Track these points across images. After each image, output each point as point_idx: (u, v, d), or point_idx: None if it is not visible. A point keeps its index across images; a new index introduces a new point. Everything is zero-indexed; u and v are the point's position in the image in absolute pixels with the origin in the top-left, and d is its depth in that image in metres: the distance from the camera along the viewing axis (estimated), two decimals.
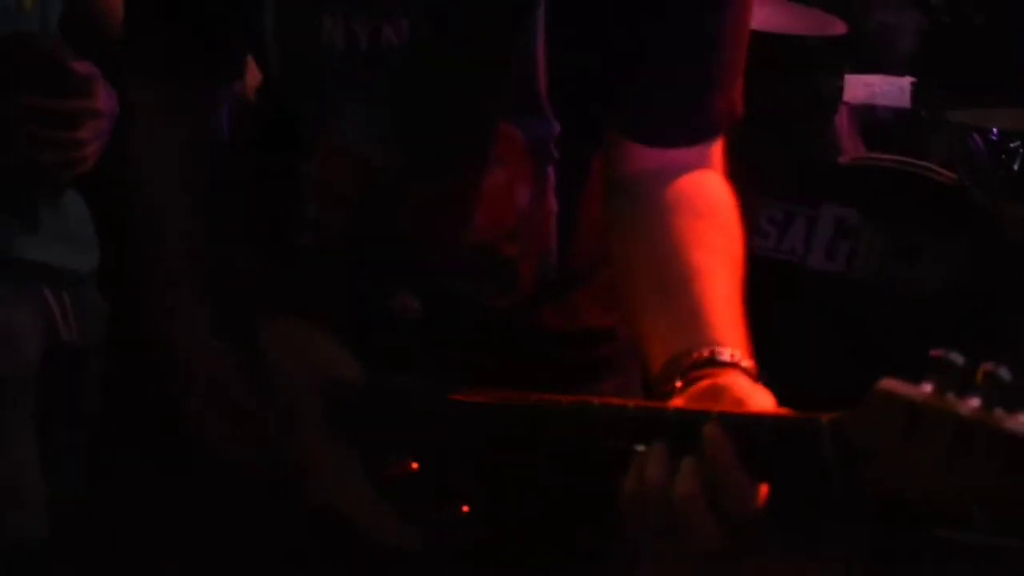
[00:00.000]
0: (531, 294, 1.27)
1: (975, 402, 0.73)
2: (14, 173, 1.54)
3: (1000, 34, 3.38)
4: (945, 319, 2.76)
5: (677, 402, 0.95)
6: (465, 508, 1.19)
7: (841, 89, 3.27)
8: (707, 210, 1.16)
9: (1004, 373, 0.72)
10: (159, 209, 1.36)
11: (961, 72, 3.27)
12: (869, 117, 3.31)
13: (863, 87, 3.26)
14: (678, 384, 0.97)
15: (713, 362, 0.97)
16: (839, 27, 3.55)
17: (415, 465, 1.19)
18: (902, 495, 0.79)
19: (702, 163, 1.19)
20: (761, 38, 3.19)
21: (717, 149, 1.21)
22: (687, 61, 1.16)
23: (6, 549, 1.66)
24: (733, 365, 0.97)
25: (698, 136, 1.19)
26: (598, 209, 1.25)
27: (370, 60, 1.18)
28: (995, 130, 3.14)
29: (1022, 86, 3.16)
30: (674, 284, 1.07)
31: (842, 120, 3.24)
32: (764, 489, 0.89)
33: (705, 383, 0.95)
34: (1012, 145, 3.14)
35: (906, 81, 3.32)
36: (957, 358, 0.74)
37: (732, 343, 0.99)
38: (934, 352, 0.75)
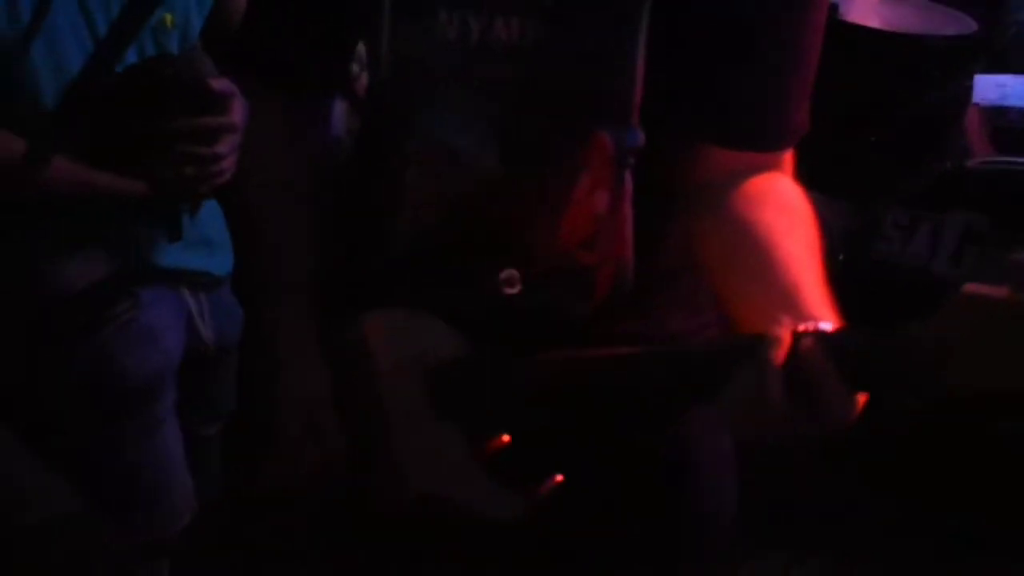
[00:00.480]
0: (608, 301, 1.30)
1: None
2: (160, 187, 1.60)
3: None
4: None
5: None
6: (559, 478, 1.27)
7: (971, 90, 3.17)
8: (788, 205, 1.22)
9: None
10: (277, 220, 1.41)
11: None
12: (1000, 119, 3.21)
13: (995, 87, 3.15)
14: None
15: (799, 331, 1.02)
16: (970, 25, 3.48)
17: (507, 438, 1.27)
18: (980, 385, 0.89)
19: (776, 167, 1.26)
20: (889, 37, 3.13)
21: (789, 157, 1.28)
22: (770, 73, 1.24)
23: (160, 534, 1.75)
24: None
25: (775, 141, 1.27)
26: (672, 216, 1.29)
27: (479, 54, 1.24)
28: None
29: None
30: (770, 271, 1.13)
31: (972, 122, 3.16)
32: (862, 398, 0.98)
33: None
34: None
35: None
36: None
37: (816, 309, 1.05)
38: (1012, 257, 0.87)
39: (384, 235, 1.37)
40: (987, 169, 2.78)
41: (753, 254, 1.17)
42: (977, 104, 3.12)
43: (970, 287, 0.87)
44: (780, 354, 0.99)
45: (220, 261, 1.84)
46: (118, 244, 1.68)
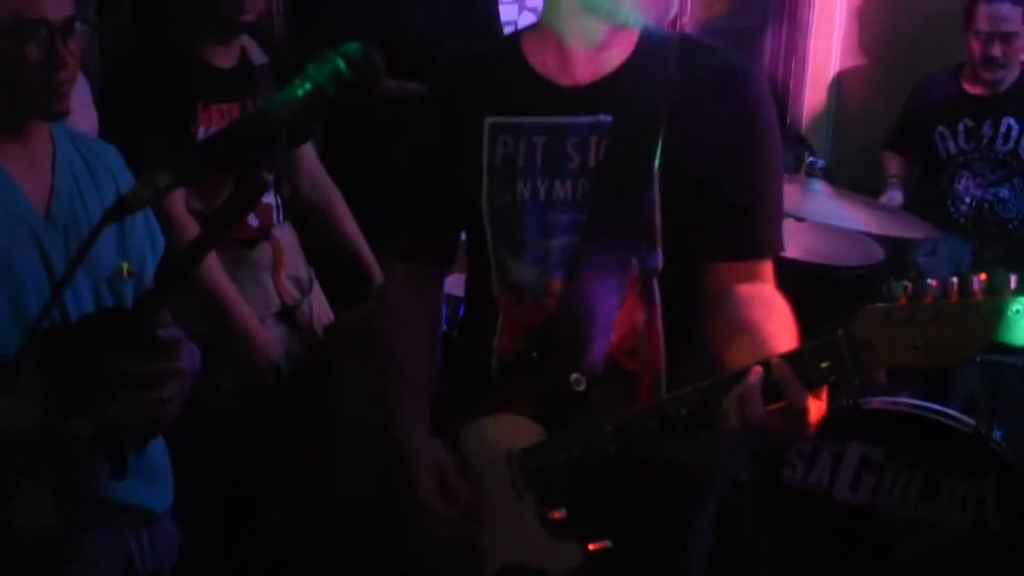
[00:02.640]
0: (649, 397, 1.78)
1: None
2: (109, 429, 1.65)
3: None
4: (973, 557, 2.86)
5: None
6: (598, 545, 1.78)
7: None
8: (769, 302, 1.73)
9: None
10: (402, 367, 1.95)
11: None
12: None
13: None
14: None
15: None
16: (878, 254, 3.68)
17: (563, 512, 1.78)
18: (887, 364, 1.36)
19: (762, 277, 1.78)
20: (803, 266, 3.31)
21: (770, 269, 1.80)
22: (753, 204, 1.77)
23: None
24: None
25: (762, 251, 1.80)
26: (695, 328, 1.78)
27: (545, 207, 1.78)
28: None
29: None
30: (758, 346, 1.56)
31: None
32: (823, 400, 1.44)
33: None
34: None
35: None
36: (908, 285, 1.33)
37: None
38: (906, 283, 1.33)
39: (483, 354, 1.88)
40: (879, 409, 2.96)
41: (745, 336, 1.62)
42: None
43: (870, 307, 1.34)
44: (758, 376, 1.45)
45: (161, 496, 1.91)
46: (64, 479, 1.72)
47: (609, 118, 1.74)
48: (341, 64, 1.31)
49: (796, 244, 3.40)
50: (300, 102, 1.30)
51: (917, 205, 4.09)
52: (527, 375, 1.82)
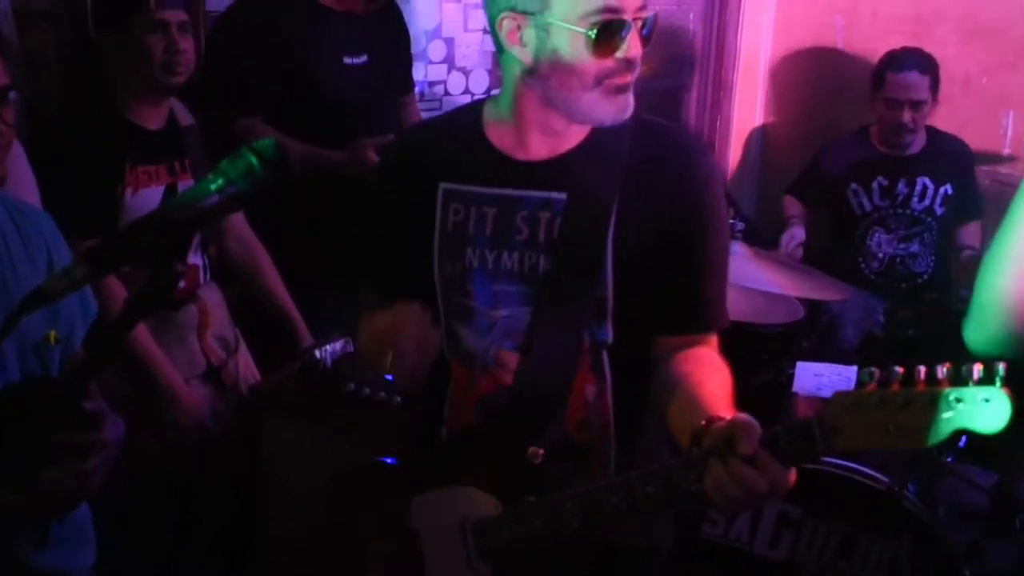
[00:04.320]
0: (601, 468, 1.84)
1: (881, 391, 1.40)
2: (33, 500, 1.66)
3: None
4: None
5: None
6: None
7: (791, 377, 3.34)
8: (711, 364, 1.79)
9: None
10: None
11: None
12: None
13: (812, 376, 3.29)
14: (698, 432, 1.57)
15: (711, 420, 1.58)
16: (798, 312, 3.77)
17: None
18: (856, 447, 1.42)
19: (707, 344, 1.84)
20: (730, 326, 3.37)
21: (715, 339, 1.86)
22: (702, 281, 1.83)
23: None
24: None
25: (710, 326, 1.86)
26: (645, 402, 1.82)
27: (492, 276, 1.82)
28: None
29: None
30: (699, 403, 1.64)
31: (796, 408, 3.40)
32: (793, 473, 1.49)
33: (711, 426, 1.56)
34: None
35: (852, 371, 3.32)
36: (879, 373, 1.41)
37: (724, 412, 1.60)
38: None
39: (434, 424, 1.91)
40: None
41: (688, 394, 1.69)
42: (796, 393, 3.36)
43: (842, 392, 1.43)
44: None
45: (83, 557, 1.92)
46: None
47: (563, 195, 1.78)
48: (254, 160, 1.34)
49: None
50: (215, 197, 1.33)
51: (827, 259, 4.19)
52: (482, 447, 1.84)
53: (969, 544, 3.13)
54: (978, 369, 1.36)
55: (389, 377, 2.63)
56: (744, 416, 1.54)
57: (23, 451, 1.62)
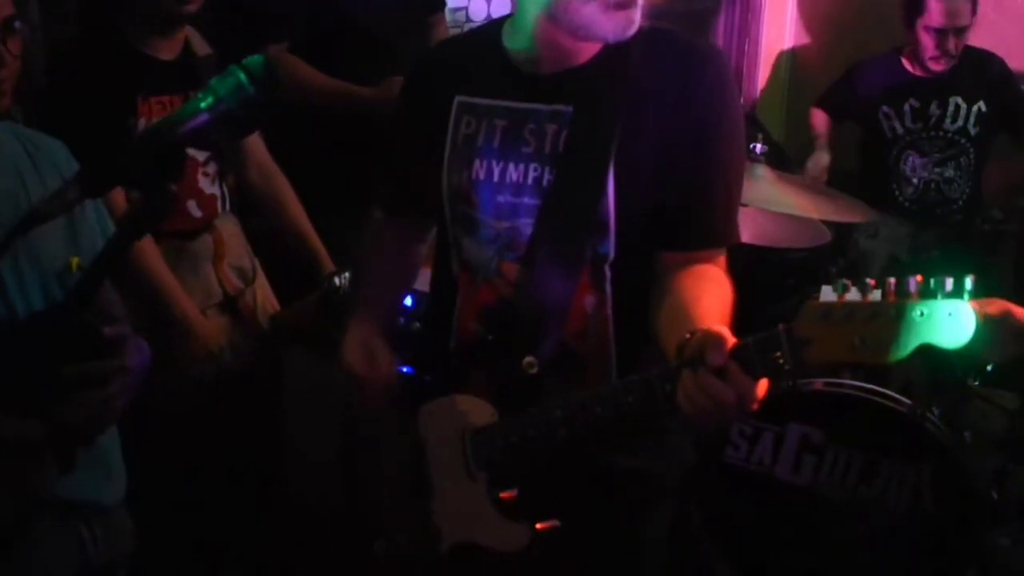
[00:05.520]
0: (598, 379, 1.83)
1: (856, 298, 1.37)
2: (55, 429, 1.66)
3: None
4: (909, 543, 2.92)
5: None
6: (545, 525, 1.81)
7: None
8: (713, 280, 1.77)
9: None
10: (363, 283, 2.18)
11: None
12: None
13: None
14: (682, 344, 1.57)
15: (695, 332, 1.56)
16: (825, 235, 3.72)
17: (514, 493, 1.81)
18: (826, 359, 1.41)
19: (712, 261, 1.81)
20: (753, 250, 3.32)
21: (722, 255, 1.83)
22: (707, 194, 1.79)
23: None
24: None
25: (714, 242, 1.82)
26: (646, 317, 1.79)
27: (497, 188, 1.85)
28: None
29: None
30: (685, 314, 1.65)
31: None
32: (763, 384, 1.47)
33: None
34: None
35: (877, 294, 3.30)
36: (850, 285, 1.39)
37: (711, 324, 1.57)
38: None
39: (444, 334, 1.95)
40: (819, 391, 3.01)
41: (680, 308, 1.69)
42: None
43: (812, 301, 1.40)
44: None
45: (113, 489, 1.92)
46: (11, 477, 1.70)
47: (569, 108, 1.79)
48: (243, 77, 1.33)
49: (746, 228, 3.41)
50: (205, 115, 1.32)
51: (861, 183, 4.13)
52: (483, 356, 1.87)
53: (995, 470, 3.10)
54: (949, 283, 1.32)
55: (407, 303, 2.64)
56: (717, 327, 1.53)
57: (44, 381, 1.62)
